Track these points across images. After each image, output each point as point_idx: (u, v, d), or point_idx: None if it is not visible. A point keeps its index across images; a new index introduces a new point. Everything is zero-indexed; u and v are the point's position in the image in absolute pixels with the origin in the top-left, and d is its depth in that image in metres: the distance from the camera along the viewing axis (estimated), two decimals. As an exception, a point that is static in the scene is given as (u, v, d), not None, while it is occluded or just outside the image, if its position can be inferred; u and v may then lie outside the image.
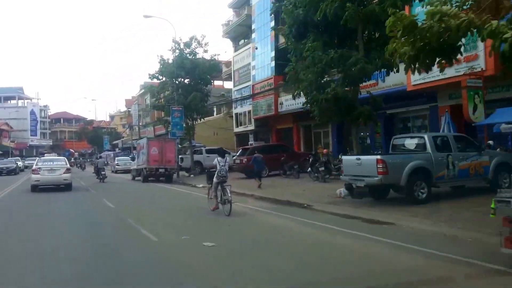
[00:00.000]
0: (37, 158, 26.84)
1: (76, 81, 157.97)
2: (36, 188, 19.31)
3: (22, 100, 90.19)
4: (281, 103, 30.09)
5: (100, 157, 38.65)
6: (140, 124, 56.94)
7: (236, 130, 36.63)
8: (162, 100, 29.68)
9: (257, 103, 32.66)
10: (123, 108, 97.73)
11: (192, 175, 27.52)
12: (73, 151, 71.78)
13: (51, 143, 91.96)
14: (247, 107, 34.50)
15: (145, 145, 25.30)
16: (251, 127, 33.91)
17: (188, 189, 21.53)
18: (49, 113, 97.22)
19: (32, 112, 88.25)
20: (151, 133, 49.07)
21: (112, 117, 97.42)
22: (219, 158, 11.96)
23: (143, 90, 65.78)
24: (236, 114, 36.21)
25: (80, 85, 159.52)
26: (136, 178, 27.81)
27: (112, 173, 39.63)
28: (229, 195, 11.33)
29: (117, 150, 64.46)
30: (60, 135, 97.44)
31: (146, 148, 25.01)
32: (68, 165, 21.37)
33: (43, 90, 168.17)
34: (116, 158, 40.80)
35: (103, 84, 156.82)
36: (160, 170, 24.97)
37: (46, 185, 19.67)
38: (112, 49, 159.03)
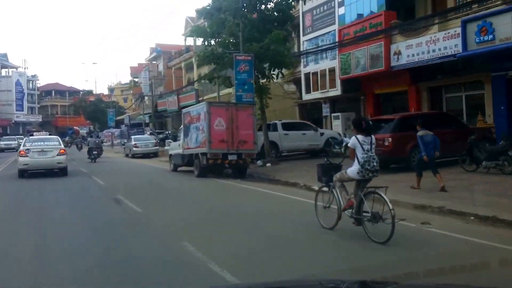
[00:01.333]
0: (25, 137, 21.89)
1: (69, 48, 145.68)
2: (25, 173, 16.72)
3: (6, 69, 79.44)
4: (397, 53, 20.14)
5: (91, 136, 34.92)
6: (152, 94, 46.81)
7: (307, 97, 26.70)
8: (215, 47, 19.42)
9: (348, 55, 22.66)
10: (125, 80, 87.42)
11: (268, 164, 17.75)
12: (77, 128, 61.43)
13: (40, 120, 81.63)
14: (327, 63, 24.49)
15: (203, 115, 15.33)
16: (335, 92, 23.93)
17: (285, 191, 12.20)
18: (38, 85, 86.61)
19: (18, 83, 77.67)
20: (172, 105, 38.89)
21: (111, 89, 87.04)
22: (360, 137, 6.61)
23: (154, 54, 55.61)
24: (307, 75, 26.13)
25: (73, 52, 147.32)
26: (179, 169, 18.25)
27: (127, 158, 29.83)
28: (390, 206, 6.11)
29: (123, 127, 54.53)
30: (51, 110, 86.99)
31: (206, 120, 15.05)
32: (63, 146, 18.11)
33: (31, 58, 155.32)
34: (132, 137, 30.88)
35: (102, 51, 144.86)
36: (231, 157, 15.10)
37: (37, 170, 16.95)
38: (111, 9, 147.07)
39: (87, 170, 19.69)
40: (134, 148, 28.68)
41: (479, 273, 5.13)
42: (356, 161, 6.53)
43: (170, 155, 18.75)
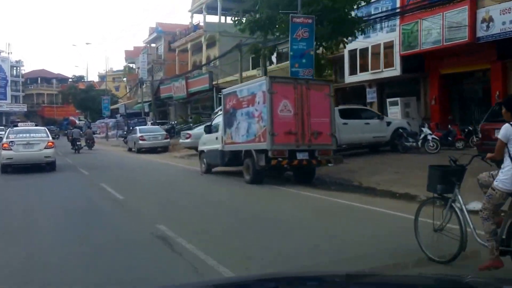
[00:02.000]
0: (8, 128, 20.89)
1: (56, 31, 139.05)
2: (8, 168, 15.12)
3: (-13, 54, 73.97)
4: (487, 20, 16.01)
5: (75, 127, 33.90)
6: (152, 80, 42.20)
7: (350, 79, 22.41)
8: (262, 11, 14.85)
9: (414, 25, 18.46)
10: (117, 67, 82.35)
11: (330, 164, 13.46)
12: (73, 119, 56.30)
13: (25, 109, 76.37)
14: (382, 36, 20.21)
15: (261, 97, 10.87)
16: (392, 72, 19.63)
17: (393, 207, 8.09)
18: (23, 71, 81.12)
19: (1, 69, 72.24)
20: (179, 91, 34.28)
21: (102, 77, 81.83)
22: None
23: (154, 34, 50.81)
24: (353, 52, 21.78)
25: (61, 35, 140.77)
26: (213, 170, 14.01)
27: (130, 153, 25.46)
28: None
29: (118, 116, 49.90)
30: (37, 99, 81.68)
31: (266, 102, 10.61)
32: (50, 138, 16.48)
33: (15, 42, 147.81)
34: (138, 128, 26.36)
35: (94, 35, 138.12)
36: (301, 155, 10.80)
37: (22, 164, 15.22)
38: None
39: (88, 173, 15.32)
40: (141, 142, 24.22)
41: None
42: (509, 161, 4.32)
43: (201, 152, 14.34)
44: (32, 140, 15.38)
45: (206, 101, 33.88)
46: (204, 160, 14.07)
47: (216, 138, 13.23)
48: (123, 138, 32.35)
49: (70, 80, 57.33)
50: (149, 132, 24.77)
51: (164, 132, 25.26)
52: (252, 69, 34.39)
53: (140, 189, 11.35)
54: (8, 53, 75.64)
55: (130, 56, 63.17)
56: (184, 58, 45.70)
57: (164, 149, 24.65)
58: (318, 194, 10.10)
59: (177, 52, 43.38)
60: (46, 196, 10.61)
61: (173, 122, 32.80)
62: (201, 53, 40.80)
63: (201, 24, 40.19)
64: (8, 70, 73.92)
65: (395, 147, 16.12)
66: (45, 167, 15.38)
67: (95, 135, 48.10)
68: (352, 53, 21.94)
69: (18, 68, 78.35)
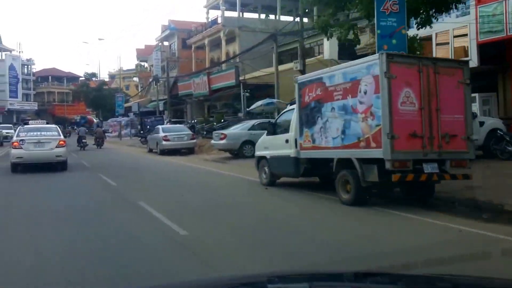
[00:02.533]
0: (19, 127, 18.76)
1: (67, 30, 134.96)
2: (18, 167, 14.11)
3: (-1, 52, 70.37)
4: None
5: (83, 125, 33.64)
6: (167, 76, 38.56)
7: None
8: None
9: (497, 6, 14.85)
10: (127, 66, 78.67)
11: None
12: (91, 117, 52.58)
13: (36, 108, 72.80)
14: (448, 23, 16.57)
15: (370, 83, 7.28)
16: (471, 63, 16.07)
17: None
18: (34, 70, 77.47)
19: (12, 67, 68.64)
20: (200, 87, 30.50)
21: (112, 76, 78.21)
22: None
23: (167, 32, 47.15)
24: (411, 41, 18.09)
25: (71, 34, 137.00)
26: (275, 180, 10.37)
27: (151, 154, 21.89)
28: None
29: (131, 115, 46.27)
30: (48, 97, 78.01)
31: (384, 90, 7.07)
32: (62, 136, 15.14)
33: (26, 41, 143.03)
34: (161, 127, 22.65)
35: (103, 34, 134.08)
36: (429, 166, 7.22)
37: (32, 164, 14.01)
38: None
39: (116, 183, 11.72)
40: (164, 142, 20.56)
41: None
42: None
43: (261, 159, 10.69)
44: (43, 138, 14.37)
45: (228, 99, 30.25)
46: (266, 169, 10.43)
47: (286, 141, 9.61)
48: (140, 138, 28.66)
49: (82, 78, 53.18)
50: (173, 131, 21.12)
51: (190, 132, 21.65)
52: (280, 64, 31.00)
53: (198, 213, 7.69)
54: (19, 52, 72.19)
55: (142, 54, 59.54)
56: (200, 55, 42.16)
57: (190, 150, 21.05)
58: (453, 223, 6.57)
59: (193, 48, 39.76)
60: (55, 197, 9.66)
61: (193, 121, 29.16)
62: (219, 49, 37.19)
63: (219, 19, 36.57)
64: (19, 69, 70.36)
65: (489, 152, 12.47)
66: (56, 166, 14.26)
67: (108, 133, 44.68)
68: (411, 41, 18.25)
69: (29, 66, 74.78)
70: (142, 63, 60.35)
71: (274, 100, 19.55)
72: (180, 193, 9.64)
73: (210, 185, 11.15)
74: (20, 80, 70.60)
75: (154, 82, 37.83)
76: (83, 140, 25.33)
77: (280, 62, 32.22)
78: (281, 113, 10.46)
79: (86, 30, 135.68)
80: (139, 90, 57.30)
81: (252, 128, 17.34)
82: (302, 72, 21.30)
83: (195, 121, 29.19)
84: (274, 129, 10.31)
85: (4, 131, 34.62)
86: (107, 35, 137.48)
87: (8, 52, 70.13)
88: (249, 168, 14.38)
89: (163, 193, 9.92)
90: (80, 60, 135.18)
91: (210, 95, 27.93)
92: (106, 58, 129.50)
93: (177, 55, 46.60)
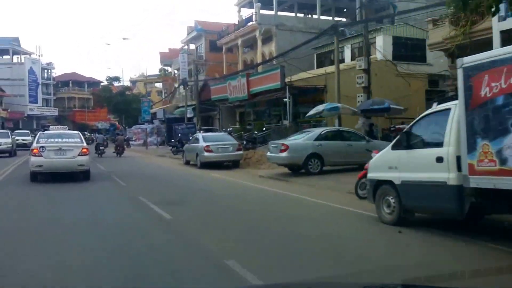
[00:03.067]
0: (39, 132, 17.07)
1: (87, 35, 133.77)
2: (38, 176, 13.03)
3: (18, 56, 68.49)
4: None
5: (101, 132, 33.20)
6: (197, 79, 35.51)
7: None
8: None
9: None
10: (149, 71, 75.94)
11: None
12: (119, 124, 49.89)
13: (56, 113, 70.70)
14: None
15: None
16: None
17: None
18: (54, 75, 75.59)
19: (32, 71, 66.62)
20: (238, 91, 27.19)
21: (133, 82, 75.81)
22: None
23: (194, 33, 44.27)
24: (505, 34, 14.62)
25: (91, 39, 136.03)
26: (409, 217, 6.84)
27: (188, 167, 18.67)
28: None
29: (156, 122, 43.37)
30: (68, 103, 75.93)
31: None
32: (85, 143, 13.97)
33: (46, 45, 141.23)
34: (200, 135, 19.30)
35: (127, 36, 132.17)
36: None
37: (52, 172, 12.92)
38: None
39: (172, 216, 8.29)
40: (206, 153, 17.18)
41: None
42: None
43: (381, 184, 7.24)
44: (65, 145, 13.21)
45: (265, 104, 27.02)
46: (391, 200, 6.98)
47: (439, 160, 6.20)
48: (171, 147, 25.48)
49: (103, 83, 50.20)
50: (217, 141, 17.72)
51: (235, 142, 18.29)
52: (318, 67, 27.76)
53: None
54: (39, 55, 70.24)
55: (166, 58, 56.89)
56: (230, 59, 39.18)
57: (234, 163, 17.76)
58: None
59: (224, 50, 36.65)
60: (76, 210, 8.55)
61: (228, 129, 25.92)
62: (253, 50, 34.10)
63: (254, 16, 33.44)
64: (39, 73, 68.34)
65: None
66: (79, 175, 13.23)
67: (131, 141, 41.84)
68: (505, 35, 14.79)
69: (49, 70, 72.78)
70: (166, 68, 57.70)
71: (339, 105, 16.20)
72: (278, 238, 6.23)
73: (301, 220, 7.68)
74: (40, 84, 68.59)
75: (182, 86, 34.80)
76: (101, 147, 25.47)
77: (320, 64, 29.17)
78: (421, 116, 7.06)
79: (107, 34, 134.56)
80: (163, 95, 54.46)
81: (319, 138, 14.01)
82: (367, 71, 18.05)
83: (230, 129, 25.98)
84: (408, 140, 6.91)
85: (20, 138, 31.45)
86: (129, 38, 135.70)
87: (27, 56, 68.27)
88: (329, 190, 11.08)
89: (245, 235, 6.55)
90: (102, 65, 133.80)
91: (249, 99, 24.70)
92: (127, 63, 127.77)
93: (204, 58, 43.68)
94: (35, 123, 64.17)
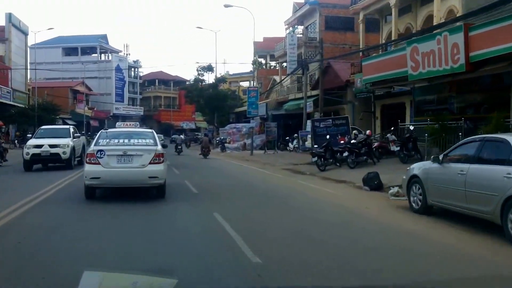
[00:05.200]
0: (101, 131, 10.29)
1: (172, 33, 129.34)
2: (95, 192, 8.85)
3: (106, 54, 62.79)
4: None
5: (186, 134, 32.08)
6: (322, 59, 24.62)
7: None
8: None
9: None
10: (234, 70, 66.73)
11: None
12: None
13: (142, 113, 64.08)
14: None
15: None
16: None
17: None
18: (141, 74, 69.40)
19: (118, 69, 60.37)
20: (441, 60, 15.39)
21: (218, 80, 66.92)
22: None
23: (304, 9, 33.47)
24: None
25: (175, 38, 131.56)
26: None
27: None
28: None
29: (256, 120, 33.17)
30: (154, 102, 69.25)
31: None
32: (160, 147, 8.97)
33: (133, 45, 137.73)
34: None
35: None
36: None
37: (114, 186, 8.82)
38: None
39: None
40: None
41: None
42: None
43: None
44: (131, 149, 8.58)
45: (456, 89, 15.29)
46: None
47: None
48: (315, 159, 14.06)
49: (195, 75, 40.85)
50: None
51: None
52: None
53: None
54: (126, 54, 64.07)
55: (261, 48, 46.88)
56: (352, 38, 27.95)
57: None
58: None
59: (361, 18, 25.20)
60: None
61: (411, 128, 14.40)
62: (410, 12, 22.27)
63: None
64: (125, 71, 62.13)
65: None
66: (151, 190, 8.72)
67: (226, 144, 32.22)
68: None
69: (136, 69, 66.41)
70: (261, 59, 47.74)
71: None
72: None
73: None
74: (127, 82, 62.28)
75: (302, 70, 24.04)
76: (179, 147, 26.44)
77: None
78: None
79: (199, 36, 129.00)
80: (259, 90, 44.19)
81: None
82: None
83: (412, 129, 14.53)
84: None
85: (47, 142, 15.29)
86: (202, 28, 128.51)
87: (115, 54, 62.34)
88: None
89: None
90: (188, 62, 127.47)
91: (469, 70, 12.79)
92: (219, 56, 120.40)
93: (318, 38, 32.78)
94: (121, 123, 57.73)
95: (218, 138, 34.14)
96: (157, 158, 8.49)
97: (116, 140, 8.96)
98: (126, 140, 8.97)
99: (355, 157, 14.30)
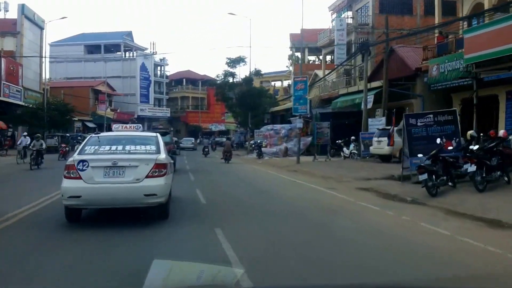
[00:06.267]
0: (89, 136, 7.89)
1: (198, 32, 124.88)
2: (78, 214, 6.76)
3: (130, 52, 58.94)
4: None
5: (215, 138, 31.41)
6: (387, 40, 19.17)
7: None
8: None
9: None
10: (268, 69, 61.75)
11: None
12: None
13: (168, 115, 59.86)
14: None
15: None
16: None
17: None
18: (168, 73, 65.31)
19: (143, 68, 56.35)
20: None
21: (248, 80, 62.01)
22: None
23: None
24: None
25: (202, 36, 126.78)
26: None
27: None
28: None
29: (298, 120, 28.03)
30: (181, 103, 64.99)
31: None
32: (164, 156, 6.77)
33: (159, 42, 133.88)
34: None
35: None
36: None
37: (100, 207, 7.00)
38: None
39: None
40: None
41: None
42: None
43: None
44: (124, 158, 6.54)
45: None
46: None
47: None
48: (424, 177, 8.49)
49: (223, 72, 35.73)
50: None
51: None
52: None
53: None
54: (152, 53, 60.07)
55: (298, 40, 41.58)
56: (408, 23, 22.42)
57: None
58: None
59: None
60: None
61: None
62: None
63: None
64: (151, 70, 57.93)
65: None
66: (150, 210, 6.67)
67: (263, 148, 27.16)
68: None
69: (162, 67, 62.29)
70: (297, 54, 42.39)
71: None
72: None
73: None
74: (152, 82, 58.18)
75: (363, 55, 18.61)
76: (206, 149, 27.27)
77: None
78: None
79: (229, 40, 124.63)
80: (291, 90, 38.85)
81: None
82: None
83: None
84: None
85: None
86: (235, 14, 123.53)
87: (140, 51, 58.40)
88: None
89: None
90: (215, 64, 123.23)
91: None
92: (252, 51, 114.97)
93: (371, 23, 27.28)
94: (146, 125, 53.64)
95: (252, 142, 29.01)
96: (157, 170, 6.49)
97: (107, 148, 6.92)
98: (119, 147, 6.93)
99: (486, 173, 8.85)
